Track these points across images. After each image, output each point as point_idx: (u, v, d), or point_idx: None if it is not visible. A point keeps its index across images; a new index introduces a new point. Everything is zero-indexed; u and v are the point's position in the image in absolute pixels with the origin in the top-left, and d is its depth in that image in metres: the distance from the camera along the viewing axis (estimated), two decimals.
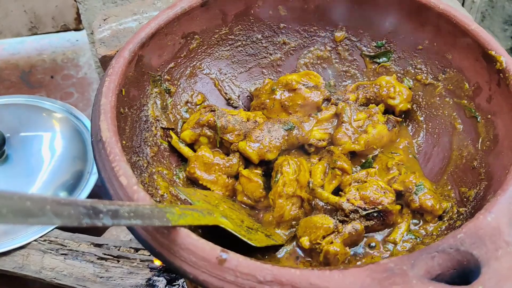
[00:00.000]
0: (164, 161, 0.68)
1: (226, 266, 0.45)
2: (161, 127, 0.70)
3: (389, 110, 0.74)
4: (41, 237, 1.04)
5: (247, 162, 0.69)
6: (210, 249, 0.45)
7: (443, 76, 0.72)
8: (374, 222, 0.61)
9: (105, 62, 0.82)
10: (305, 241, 0.59)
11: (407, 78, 0.76)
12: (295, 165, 0.64)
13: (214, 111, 0.69)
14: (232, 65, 0.79)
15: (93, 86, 1.59)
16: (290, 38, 0.80)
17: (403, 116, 0.75)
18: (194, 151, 0.70)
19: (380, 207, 0.60)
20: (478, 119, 0.66)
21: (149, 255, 0.98)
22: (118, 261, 0.98)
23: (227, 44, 0.78)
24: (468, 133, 0.68)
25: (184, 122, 0.73)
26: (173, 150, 0.70)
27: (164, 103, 0.72)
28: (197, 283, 0.47)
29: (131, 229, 0.50)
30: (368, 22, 0.77)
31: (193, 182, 0.69)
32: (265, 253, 0.62)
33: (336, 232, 0.59)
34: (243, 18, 0.77)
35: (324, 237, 0.59)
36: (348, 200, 0.61)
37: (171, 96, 0.73)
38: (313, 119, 0.71)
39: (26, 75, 1.62)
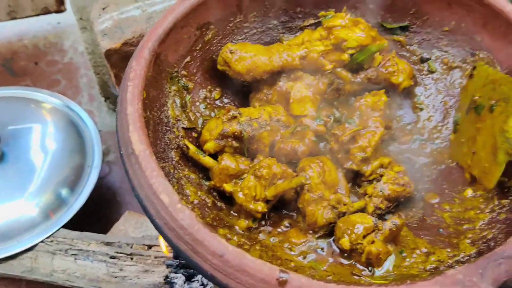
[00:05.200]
0: (190, 164, 0.64)
1: None
2: (183, 128, 0.66)
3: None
4: (48, 237, 1.00)
5: None
6: (269, 270, 0.43)
7: (472, 58, 0.70)
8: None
9: (109, 55, 0.77)
10: (345, 242, 0.57)
11: (433, 61, 0.73)
12: (317, 167, 0.61)
13: (237, 117, 0.64)
14: None
15: (81, 71, 1.52)
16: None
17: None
18: (216, 158, 0.65)
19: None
20: None
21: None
22: (132, 259, 0.95)
23: (242, 33, 0.74)
24: None
25: (204, 120, 0.69)
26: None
27: (183, 101, 0.68)
28: None
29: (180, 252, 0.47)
30: (390, 2, 0.73)
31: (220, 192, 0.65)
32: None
33: (377, 230, 0.57)
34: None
35: (364, 237, 0.57)
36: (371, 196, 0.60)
37: (189, 93, 0.69)
38: None
39: (9, 62, 1.53)
